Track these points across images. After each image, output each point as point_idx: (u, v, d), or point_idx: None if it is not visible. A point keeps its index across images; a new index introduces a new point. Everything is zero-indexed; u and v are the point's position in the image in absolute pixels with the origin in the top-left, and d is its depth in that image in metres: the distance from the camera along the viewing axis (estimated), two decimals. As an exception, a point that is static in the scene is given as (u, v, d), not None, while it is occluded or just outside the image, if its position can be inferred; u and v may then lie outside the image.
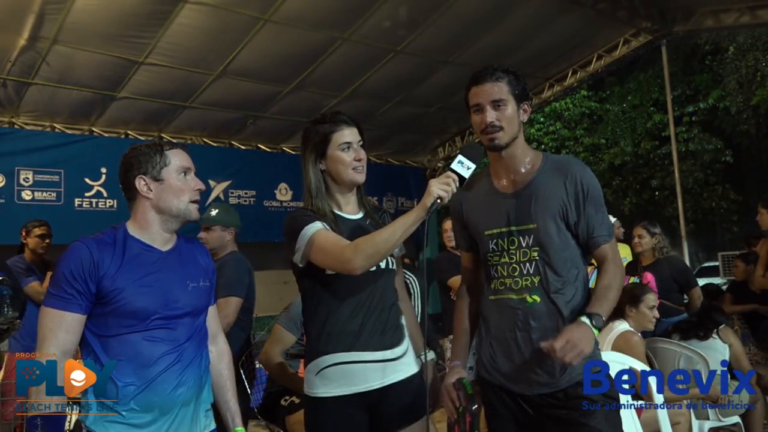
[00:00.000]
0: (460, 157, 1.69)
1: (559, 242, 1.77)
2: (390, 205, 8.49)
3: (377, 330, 1.84)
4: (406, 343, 1.92)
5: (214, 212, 3.22)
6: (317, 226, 1.80)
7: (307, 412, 1.89)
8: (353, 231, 1.85)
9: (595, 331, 1.64)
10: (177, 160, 1.74)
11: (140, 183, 1.71)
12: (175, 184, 1.72)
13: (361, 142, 1.93)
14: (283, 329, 2.95)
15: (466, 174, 1.68)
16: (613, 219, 3.87)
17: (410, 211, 1.68)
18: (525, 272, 1.78)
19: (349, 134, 1.89)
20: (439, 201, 1.65)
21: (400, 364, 1.87)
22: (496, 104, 1.76)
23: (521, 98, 1.80)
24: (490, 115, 1.76)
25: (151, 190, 1.71)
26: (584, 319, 1.64)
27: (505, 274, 1.81)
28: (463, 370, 1.86)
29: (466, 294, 1.99)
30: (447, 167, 1.71)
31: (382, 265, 1.87)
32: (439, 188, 1.65)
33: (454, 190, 1.67)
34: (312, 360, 1.85)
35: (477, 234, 1.89)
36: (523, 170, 1.83)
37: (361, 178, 1.91)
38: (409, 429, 1.86)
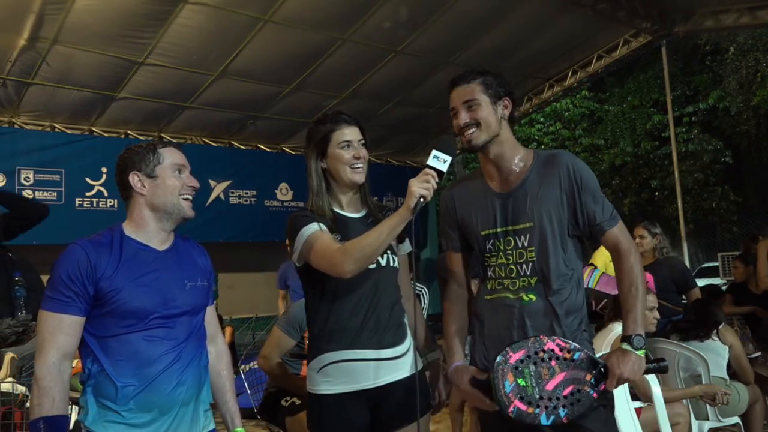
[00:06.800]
0: (434, 152, 1.70)
1: (556, 241, 1.76)
2: (390, 206, 8.48)
3: (379, 328, 1.85)
4: (408, 342, 1.92)
5: None
6: (313, 227, 1.81)
7: (310, 409, 1.90)
8: (353, 230, 1.85)
9: (640, 353, 1.65)
10: (170, 157, 1.76)
11: (134, 179, 1.72)
12: (169, 181, 1.73)
13: (362, 141, 1.93)
14: (282, 333, 2.93)
15: (444, 168, 1.70)
16: None
17: (395, 212, 1.69)
18: (522, 273, 1.78)
19: (349, 133, 1.90)
20: (422, 200, 1.65)
21: (402, 363, 1.88)
22: (468, 105, 1.79)
23: (497, 96, 1.81)
24: (463, 117, 1.79)
25: (145, 187, 1.72)
26: (625, 346, 1.67)
27: (503, 275, 1.81)
28: (470, 366, 1.85)
29: (456, 296, 1.98)
30: (424, 165, 1.71)
31: (383, 262, 1.87)
32: (420, 187, 1.65)
33: (435, 187, 1.68)
34: (314, 357, 1.86)
35: (472, 235, 1.88)
36: (515, 169, 1.83)
37: (360, 178, 1.91)
38: (408, 428, 1.86)
